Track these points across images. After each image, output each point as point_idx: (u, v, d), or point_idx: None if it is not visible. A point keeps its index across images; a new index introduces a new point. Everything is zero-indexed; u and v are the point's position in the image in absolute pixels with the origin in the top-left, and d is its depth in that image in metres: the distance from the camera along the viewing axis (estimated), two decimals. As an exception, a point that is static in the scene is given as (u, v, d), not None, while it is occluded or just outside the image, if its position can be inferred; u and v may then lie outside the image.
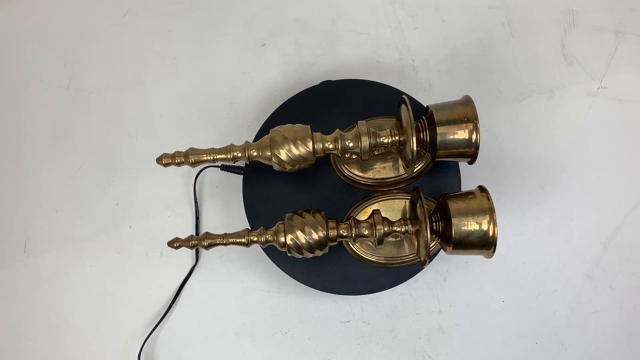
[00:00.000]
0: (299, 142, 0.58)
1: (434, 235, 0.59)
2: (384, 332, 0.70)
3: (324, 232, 0.59)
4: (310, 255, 0.60)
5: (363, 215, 0.65)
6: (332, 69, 0.76)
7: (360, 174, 0.66)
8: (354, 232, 0.59)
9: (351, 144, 0.59)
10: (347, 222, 0.60)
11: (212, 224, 0.73)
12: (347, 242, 0.65)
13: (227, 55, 0.78)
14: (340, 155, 0.60)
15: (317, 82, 0.70)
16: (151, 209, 0.74)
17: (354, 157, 0.64)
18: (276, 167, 0.60)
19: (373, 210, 0.61)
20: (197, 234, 0.73)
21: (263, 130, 0.69)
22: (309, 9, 0.78)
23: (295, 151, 0.58)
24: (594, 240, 0.70)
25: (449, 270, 0.70)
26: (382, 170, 0.66)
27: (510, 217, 0.71)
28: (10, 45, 0.80)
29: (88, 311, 0.72)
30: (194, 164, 0.59)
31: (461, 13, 0.77)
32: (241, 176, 0.70)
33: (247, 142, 0.60)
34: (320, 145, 0.60)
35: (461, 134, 0.58)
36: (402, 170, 0.66)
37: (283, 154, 0.58)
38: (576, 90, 0.74)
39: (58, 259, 0.74)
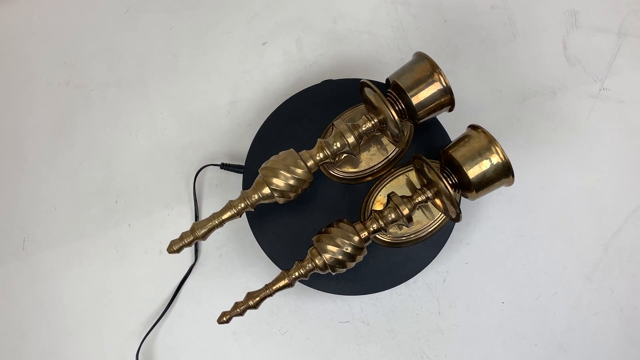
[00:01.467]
0: (290, 167, 0.58)
1: (454, 189, 0.59)
2: (383, 333, 0.69)
3: (357, 236, 0.58)
4: (353, 263, 0.59)
5: (379, 206, 0.65)
6: (333, 68, 0.76)
7: (355, 169, 0.66)
8: (382, 222, 0.59)
9: (338, 145, 0.59)
10: (370, 217, 0.59)
11: (211, 223, 0.73)
12: (375, 236, 0.64)
13: (228, 53, 0.77)
14: (333, 160, 0.60)
15: (319, 81, 0.69)
16: (150, 207, 0.74)
17: (343, 156, 0.64)
18: (281, 200, 0.59)
19: (388, 195, 0.60)
20: (196, 232, 0.72)
21: (264, 129, 0.68)
22: (311, 7, 0.77)
23: (291, 176, 0.58)
24: (594, 242, 0.69)
25: (448, 271, 0.70)
26: (373, 157, 0.66)
27: (510, 218, 0.70)
28: (11, 42, 0.79)
29: (86, 309, 0.71)
30: (204, 236, 0.58)
31: (463, 13, 0.76)
32: (241, 175, 0.70)
33: (242, 192, 0.59)
34: (311, 161, 0.59)
35: (432, 88, 0.58)
36: (390, 149, 0.66)
37: (281, 184, 0.58)
38: (578, 92, 0.73)
39: (57, 256, 0.73)
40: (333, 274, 0.59)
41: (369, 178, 0.66)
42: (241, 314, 0.57)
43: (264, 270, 0.71)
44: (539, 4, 0.76)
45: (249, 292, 0.58)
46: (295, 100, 0.69)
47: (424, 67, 0.58)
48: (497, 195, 0.71)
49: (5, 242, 0.74)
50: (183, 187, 0.74)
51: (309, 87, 0.69)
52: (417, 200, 0.59)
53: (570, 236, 0.70)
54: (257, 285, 0.70)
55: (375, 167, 0.66)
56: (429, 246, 0.65)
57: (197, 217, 0.72)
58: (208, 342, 0.70)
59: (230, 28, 0.78)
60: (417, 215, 0.64)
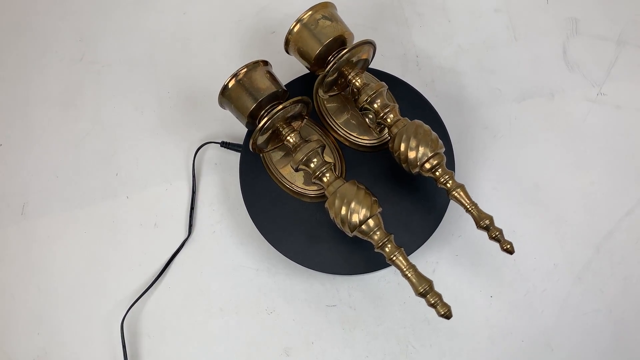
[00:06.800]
0: (352, 203, 0.56)
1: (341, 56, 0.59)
2: (369, 319, 0.67)
3: (402, 128, 0.58)
4: (435, 134, 0.59)
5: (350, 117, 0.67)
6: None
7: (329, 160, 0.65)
8: (389, 108, 0.60)
9: (315, 159, 0.59)
10: (381, 127, 0.61)
11: (207, 200, 0.71)
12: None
13: (237, 40, 0.77)
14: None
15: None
16: (149, 182, 0.73)
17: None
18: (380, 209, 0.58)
19: (361, 111, 0.62)
20: (192, 208, 0.71)
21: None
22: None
23: (354, 204, 0.56)
24: (586, 242, 0.67)
25: (438, 262, 0.68)
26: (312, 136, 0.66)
27: (503, 214, 0.68)
28: (31, 17, 0.80)
29: (77, 276, 0.70)
30: (430, 283, 0.57)
31: (467, 14, 0.76)
32: (239, 153, 0.69)
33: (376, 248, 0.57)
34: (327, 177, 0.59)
35: (257, 81, 0.61)
36: (309, 127, 0.67)
37: (361, 210, 0.56)
38: (576, 95, 0.72)
39: (53, 223, 0.72)
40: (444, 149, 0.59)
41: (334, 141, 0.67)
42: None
43: (256, 250, 0.69)
44: (541, 10, 0.75)
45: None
46: (294, 85, 0.69)
47: (240, 88, 0.60)
48: (491, 190, 0.69)
49: (5, 206, 0.73)
50: (183, 164, 0.73)
51: (307, 73, 0.69)
52: (358, 81, 0.61)
53: (562, 235, 0.68)
54: (249, 264, 0.69)
55: (327, 132, 0.67)
56: (418, 232, 0.64)
57: (194, 193, 0.71)
58: (194, 317, 0.68)
59: (241, 16, 0.78)
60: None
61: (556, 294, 0.66)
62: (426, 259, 0.68)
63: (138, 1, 0.80)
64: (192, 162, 0.72)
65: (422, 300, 0.67)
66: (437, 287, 0.67)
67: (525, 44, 0.74)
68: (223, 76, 0.75)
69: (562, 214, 0.68)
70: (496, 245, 0.68)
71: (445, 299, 0.66)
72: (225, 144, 0.71)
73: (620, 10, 0.74)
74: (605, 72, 0.72)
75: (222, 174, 0.72)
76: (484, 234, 0.68)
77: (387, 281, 0.68)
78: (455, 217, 0.69)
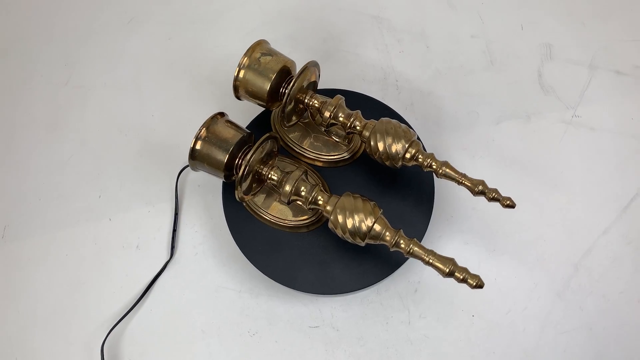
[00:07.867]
0: (354, 213, 0.57)
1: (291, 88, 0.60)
2: (352, 340, 0.66)
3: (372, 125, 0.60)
4: (404, 126, 0.60)
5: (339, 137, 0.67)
6: (320, 82, 0.77)
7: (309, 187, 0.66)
8: (355, 118, 0.61)
9: (304, 187, 0.59)
10: (351, 134, 0.61)
11: (189, 221, 0.71)
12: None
13: (222, 63, 0.79)
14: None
15: (304, 91, 0.70)
16: (132, 204, 0.73)
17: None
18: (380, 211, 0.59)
19: (327, 130, 0.64)
20: (174, 229, 0.71)
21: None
22: (303, 27, 0.80)
23: (357, 215, 0.56)
24: (565, 260, 0.68)
25: (420, 281, 0.68)
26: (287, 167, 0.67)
27: (483, 233, 0.69)
28: (17, 42, 0.81)
29: (58, 299, 0.69)
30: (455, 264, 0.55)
31: (445, 40, 0.78)
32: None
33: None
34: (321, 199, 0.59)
35: (225, 135, 0.61)
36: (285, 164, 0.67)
37: (365, 220, 0.56)
38: (551, 117, 0.74)
39: (35, 246, 0.71)
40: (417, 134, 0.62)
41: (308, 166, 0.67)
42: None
43: (239, 272, 0.69)
44: (516, 36, 0.78)
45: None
46: (253, 126, 0.70)
47: (207, 145, 0.60)
48: (470, 210, 0.70)
49: (-15, 228, 0.72)
50: (166, 186, 0.73)
51: (262, 112, 0.71)
52: (316, 102, 0.62)
53: (541, 253, 0.68)
54: (231, 285, 0.69)
55: (298, 160, 0.68)
56: (417, 223, 0.64)
57: (176, 214, 0.71)
58: (175, 339, 0.67)
59: (226, 42, 0.80)
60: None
61: (537, 312, 0.66)
62: (408, 279, 0.68)
63: (123, 26, 0.81)
64: (175, 183, 0.72)
65: (405, 322, 0.67)
66: (419, 308, 0.67)
67: (502, 68, 0.76)
68: (207, 101, 0.77)
69: (541, 233, 0.69)
70: (478, 264, 0.68)
71: (426, 319, 0.67)
72: (208, 166, 0.71)
73: (592, 36, 0.77)
74: (579, 95, 0.74)
75: (205, 196, 0.72)
76: (465, 253, 0.69)
77: (370, 301, 0.67)
78: (435, 237, 0.69)
